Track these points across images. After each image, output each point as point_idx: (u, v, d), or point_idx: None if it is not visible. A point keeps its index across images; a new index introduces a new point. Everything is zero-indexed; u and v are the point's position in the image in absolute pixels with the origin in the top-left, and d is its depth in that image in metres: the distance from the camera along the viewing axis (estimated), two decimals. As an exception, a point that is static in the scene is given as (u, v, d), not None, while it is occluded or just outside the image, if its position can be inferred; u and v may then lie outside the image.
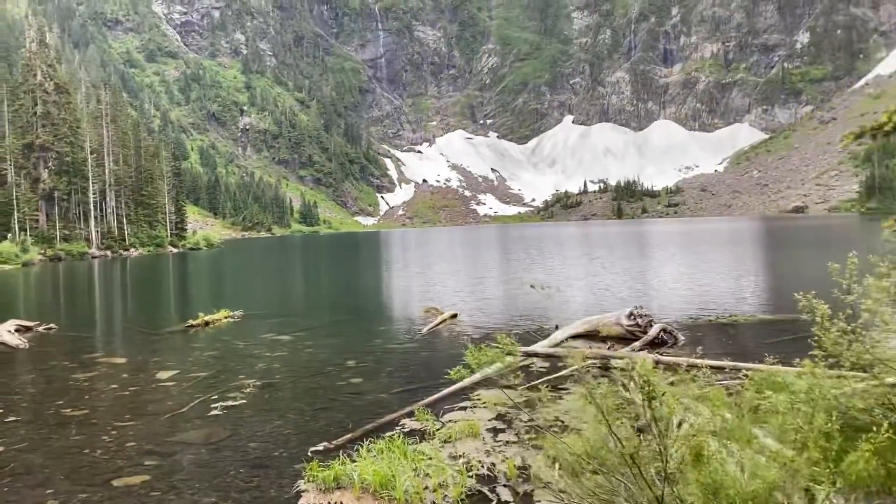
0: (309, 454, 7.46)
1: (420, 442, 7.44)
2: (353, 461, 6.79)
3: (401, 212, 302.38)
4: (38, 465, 7.55)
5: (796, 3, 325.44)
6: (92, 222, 72.89)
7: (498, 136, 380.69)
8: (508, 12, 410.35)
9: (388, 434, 7.87)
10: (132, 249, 75.79)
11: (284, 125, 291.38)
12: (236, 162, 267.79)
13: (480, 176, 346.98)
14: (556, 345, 12.37)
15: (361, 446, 7.41)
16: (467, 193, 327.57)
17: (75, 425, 9.01)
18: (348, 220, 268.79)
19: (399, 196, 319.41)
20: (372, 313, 19.26)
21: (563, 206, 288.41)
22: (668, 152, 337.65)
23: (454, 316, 17.09)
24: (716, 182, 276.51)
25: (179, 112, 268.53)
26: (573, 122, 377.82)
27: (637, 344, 11.55)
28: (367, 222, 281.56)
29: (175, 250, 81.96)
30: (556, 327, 14.93)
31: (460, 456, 6.91)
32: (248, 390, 10.48)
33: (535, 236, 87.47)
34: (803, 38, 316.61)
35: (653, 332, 12.15)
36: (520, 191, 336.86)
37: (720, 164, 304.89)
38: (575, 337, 13.32)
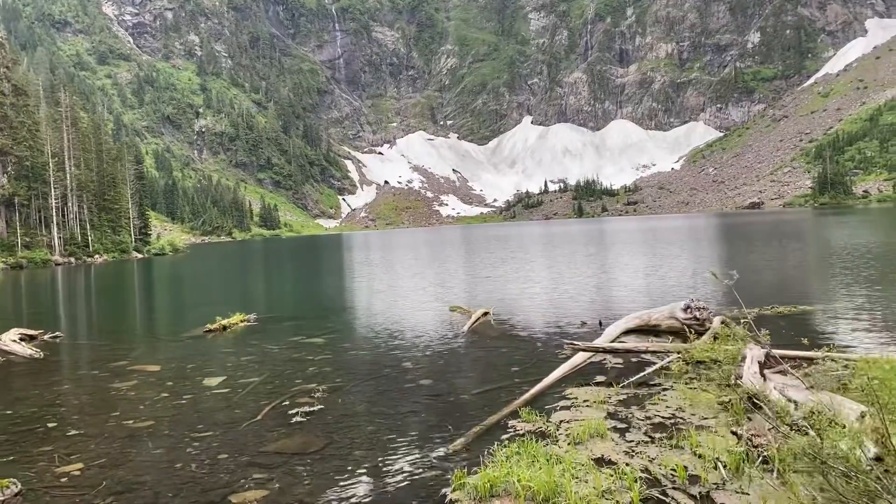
0: (432, 460, 7.07)
1: (545, 444, 7.09)
2: (490, 466, 6.45)
3: (363, 214, 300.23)
4: (136, 483, 7.04)
5: (747, 4, 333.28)
6: (54, 228, 70.45)
7: (458, 137, 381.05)
8: (466, 13, 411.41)
9: (503, 437, 7.55)
10: (97, 256, 73.42)
11: (242, 127, 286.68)
12: (192, 165, 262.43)
13: (442, 177, 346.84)
14: (613, 341, 12.11)
15: (488, 449, 7.07)
16: (429, 194, 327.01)
17: (148, 438, 8.47)
18: (310, 223, 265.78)
19: (361, 198, 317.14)
20: (389, 313, 18.80)
21: (524, 205, 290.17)
22: (626, 151, 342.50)
23: (486, 314, 16.77)
24: (673, 180, 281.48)
25: (133, 115, 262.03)
26: (532, 122, 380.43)
27: (705, 337, 11.35)
28: (329, 225, 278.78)
29: (140, 256, 79.72)
30: (600, 323, 14.73)
31: (601, 458, 6.59)
32: (317, 395, 10.03)
33: (510, 236, 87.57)
34: (754, 38, 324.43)
35: (716, 324, 11.97)
36: (481, 191, 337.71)
37: (676, 162, 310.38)
38: (627, 332, 13.08)
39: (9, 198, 67.45)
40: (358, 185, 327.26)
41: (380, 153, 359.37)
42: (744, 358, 8.47)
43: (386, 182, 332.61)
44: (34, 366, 13.85)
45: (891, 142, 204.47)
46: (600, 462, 6.42)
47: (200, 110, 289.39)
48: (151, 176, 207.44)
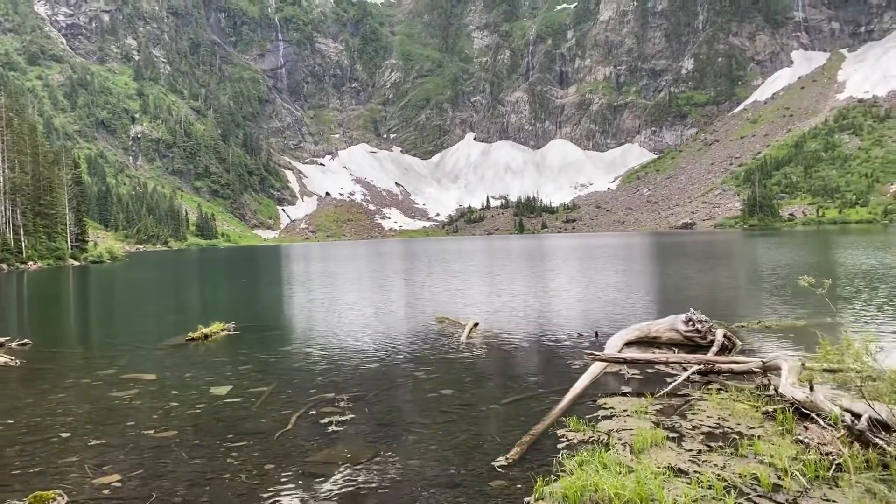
0: (496, 468, 7.04)
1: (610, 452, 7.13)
2: (561, 474, 6.49)
3: (303, 225, 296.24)
4: (190, 496, 6.74)
5: (681, 31, 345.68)
6: (-16, 233, 67.05)
7: (402, 151, 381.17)
8: (410, 29, 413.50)
9: (559, 446, 7.58)
10: (30, 262, 70.23)
11: (179, 134, 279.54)
12: (127, 172, 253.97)
13: (385, 190, 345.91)
14: (619, 352, 12.27)
15: (555, 459, 7.10)
16: (372, 207, 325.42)
17: (179, 448, 8.20)
18: (248, 234, 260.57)
19: (301, 209, 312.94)
20: (374, 324, 18.59)
21: (467, 220, 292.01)
22: (565, 170, 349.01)
23: (476, 325, 16.80)
24: (609, 199, 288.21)
25: (65, 119, 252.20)
26: (475, 139, 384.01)
27: (714, 349, 11.64)
28: (268, 235, 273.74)
29: (77, 264, 76.64)
30: (596, 335, 14.93)
31: (670, 467, 6.67)
32: (342, 405, 9.86)
33: (461, 250, 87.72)
34: (688, 64, 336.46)
35: (720, 337, 12.28)
36: (424, 205, 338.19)
37: (613, 182, 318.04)
38: (629, 344, 13.31)
39: (-64, 200, 63.92)
40: (298, 195, 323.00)
41: (321, 164, 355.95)
42: (778, 369, 8.71)
43: (327, 193, 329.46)
44: (15, 373, 13.16)
45: (814, 168, 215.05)
46: (672, 471, 6.50)
47: (136, 116, 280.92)
48: (84, 182, 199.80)
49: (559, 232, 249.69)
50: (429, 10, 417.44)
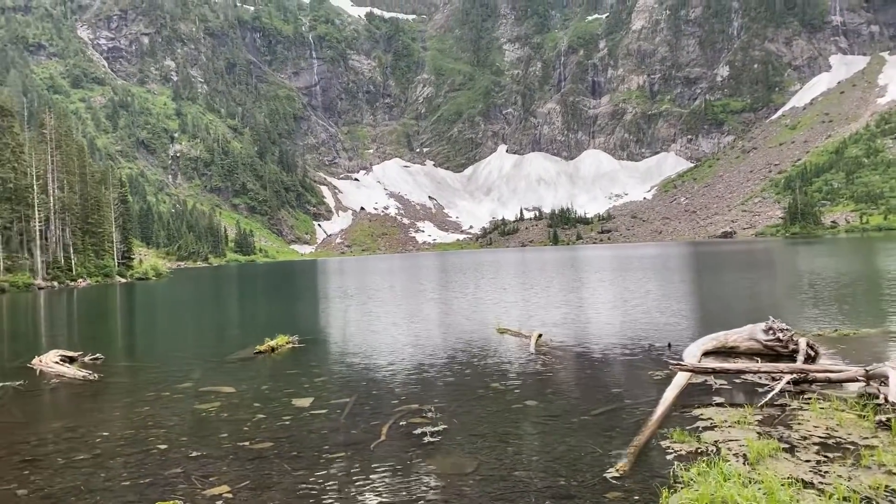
0: (609, 480, 6.94)
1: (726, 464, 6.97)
2: (678, 486, 6.37)
3: (339, 240, 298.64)
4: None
5: (716, 38, 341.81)
6: (37, 252, 68.86)
7: (434, 165, 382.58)
8: (442, 44, 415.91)
9: (668, 457, 7.45)
10: (80, 280, 71.85)
11: (217, 152, 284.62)
12: (167, 190, 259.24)
13: (418, 203, 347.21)
14: (699, 362, 12.05)
15: (671, 469, 6.98)
16: (406, 221, 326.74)
17: (280, 460, 8.29)
18: (285, 249, 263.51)
19: (336, 224, 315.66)
20: (436, 334, 18.56)
21: (500, 233, 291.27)
22: (599, 180, 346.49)
23: (540, 336, 16.68)
24: (646, 209, 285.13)
25: (106, 139, 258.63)
26: (507, 151, 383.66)
27: (800, 358, 11.37)
28: (304, 251, 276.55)
29: (123, 280, 78.21)
30: (669, 346, 14.70)
31: (793, 478, 6.49)
32: (430, 415, 9.83)
33: (502, 262, 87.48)
34: (723, 71, 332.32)
35: (803, 346, 11.99)
36: (457, 218, 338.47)
37: (648, 191, 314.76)
38: (706, 354, 13.08)
39: (-9, 220, 65.89)
40: (333, 210, 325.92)
41: (356, 179, 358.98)
42: (885, 377, 8.47)
43: (362, 208, 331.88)
44: (96, 387, 13.42)
45: (856, 174, 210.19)
46: (796, 482, 6.34)
47: (175, 135, 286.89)
48: (128, 200, 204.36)
49: (594, 243, 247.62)
50: (460, 24, 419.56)
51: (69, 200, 75.93)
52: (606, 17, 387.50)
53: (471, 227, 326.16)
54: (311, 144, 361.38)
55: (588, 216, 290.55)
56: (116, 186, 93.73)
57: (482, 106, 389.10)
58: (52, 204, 72.59)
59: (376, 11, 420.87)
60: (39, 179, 71.02)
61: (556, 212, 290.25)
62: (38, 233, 69.27)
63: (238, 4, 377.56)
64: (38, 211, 69.59)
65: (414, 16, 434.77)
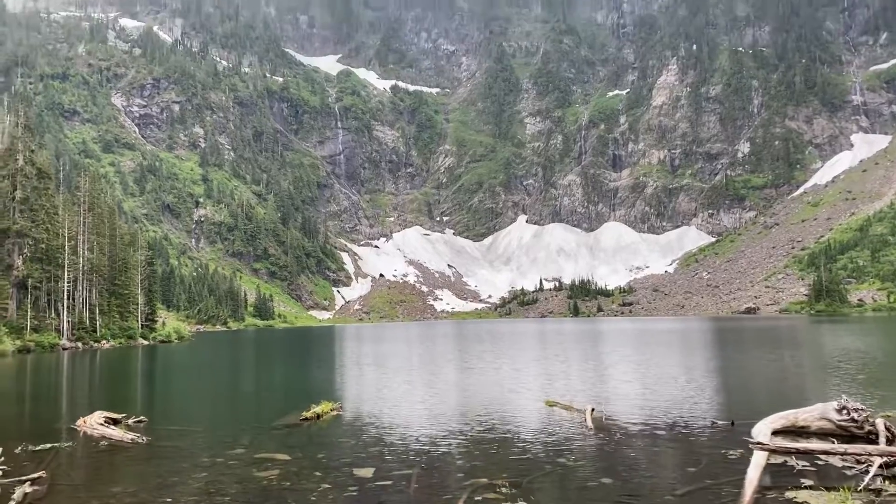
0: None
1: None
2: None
3: (357, 306, 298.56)
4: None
5: (736, 115, 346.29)
6: (63, 312, 69.38)
7: (454, 233, 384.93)
8: (464, 116, 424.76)
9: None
10: (103, 341, 72.06)
11: (240, 217, 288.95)
12: (189, 254, 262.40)
13: (437, 272, 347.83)
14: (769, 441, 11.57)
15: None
16: (424, 289, 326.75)
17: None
18: (303, 314, 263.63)
19: (356, 290, 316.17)
20: (481, 406, 18.14)
21: (520, 303, 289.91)
22: (619, 253, 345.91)
23: (593, 410, 16.24)
24: (667, 282, 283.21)
25: (133, 203, 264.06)
26: (527, 221, 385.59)
27: (882, 440, 10.90)
28: (322, 316, 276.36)
29: (146, 343, 78.39)
30: (732, 423, 14.23)
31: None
32: (503, 490, 9.45)
33: (527, 332, 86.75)
34: (744, 147, 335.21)
35: (882, 427, 11.51)
36: (476, 287, 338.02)
37: (670, 265, 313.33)
38: (775, 433, 12.57)
39: (22, 280, 66.74)
40: (353, 277, 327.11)
41: (376, 246, 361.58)
42: None
43: (381, 275, 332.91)
44: (147, 451, 13.16)
45: (881, 252, 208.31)
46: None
47: (200, 200, 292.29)
48: (154, 263, 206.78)
49: (615, 315, 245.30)
50: (482, 98, 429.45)
51: (98, 262, 76.93)
52: (627, 93, 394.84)
53: (489, 296, 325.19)
54: (334, 211, 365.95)
55: (609, 288, 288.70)
56: (144, 249, 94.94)
57: (503, 177, 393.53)
58: (81, 265, 73.53)
59: (401, 84, 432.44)
60: (71, 241, 72.25)
61: (577, 283, 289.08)
62: (65, 293, 69.99)
63: (268, 76, 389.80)
64: (68, 271, 70.49)
65: (438, 89, 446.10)
